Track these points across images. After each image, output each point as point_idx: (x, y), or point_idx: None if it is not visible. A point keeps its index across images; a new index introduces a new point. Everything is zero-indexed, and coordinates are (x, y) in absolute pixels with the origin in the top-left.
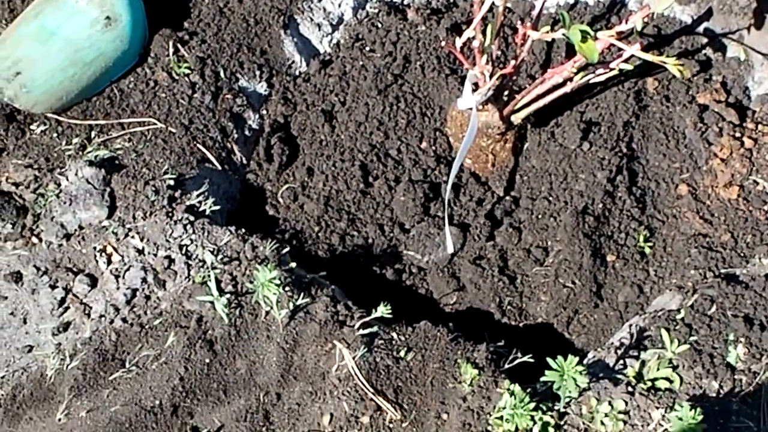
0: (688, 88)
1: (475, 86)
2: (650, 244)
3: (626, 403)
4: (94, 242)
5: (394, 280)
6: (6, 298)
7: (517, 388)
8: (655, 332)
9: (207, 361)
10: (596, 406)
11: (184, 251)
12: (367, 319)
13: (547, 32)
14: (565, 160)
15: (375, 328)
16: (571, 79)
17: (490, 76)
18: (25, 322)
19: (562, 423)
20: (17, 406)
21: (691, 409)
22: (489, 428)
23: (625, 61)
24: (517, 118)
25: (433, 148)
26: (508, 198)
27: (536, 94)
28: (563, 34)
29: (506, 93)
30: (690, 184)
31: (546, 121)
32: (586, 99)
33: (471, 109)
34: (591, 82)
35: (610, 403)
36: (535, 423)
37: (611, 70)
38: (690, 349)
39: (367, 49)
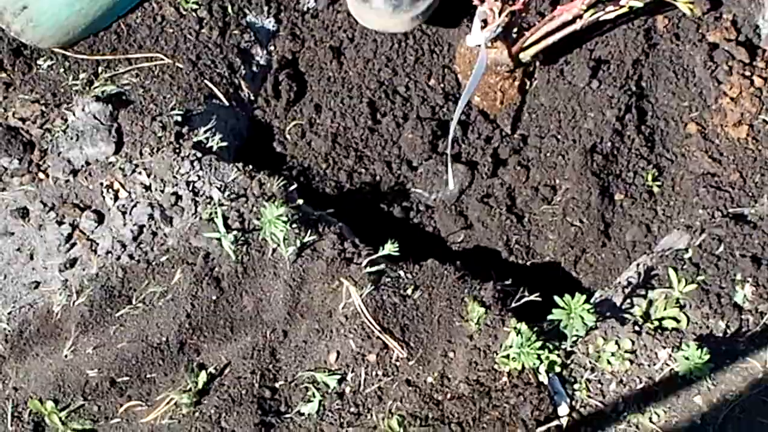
0: (698, 27)
1: (484, 23)
2: (658, 183)
3: (633, 343)
4: (101, 178)
5: (402, 217)
6: (12, 233)
7: (523, 326)
8: (662, 272)
9: (214, 298)
10: (603, 346)
11: (191, 187)
12: (375, 256)
13: None
14: (573, 98)
15: (382, 266)
16: (581, 17)
17: (500, 13)
18: (31, 258)
19: (568, 362)
20: (24, 342)
21: (697, 349)
22: (495, 367)
23: None
24: (526, 56)
25: (442, 85)
26: (516, 136)
27: (545, 31)
28: None
29: (515, 30)
30: (699, 123)
31: (555, 58)
32: (596, 37)
33: (480, 46)
34: (601, 19)
35: (616, 343)
36: (541, 362)
37: (621, 7)
38: (697, 289)
39: None
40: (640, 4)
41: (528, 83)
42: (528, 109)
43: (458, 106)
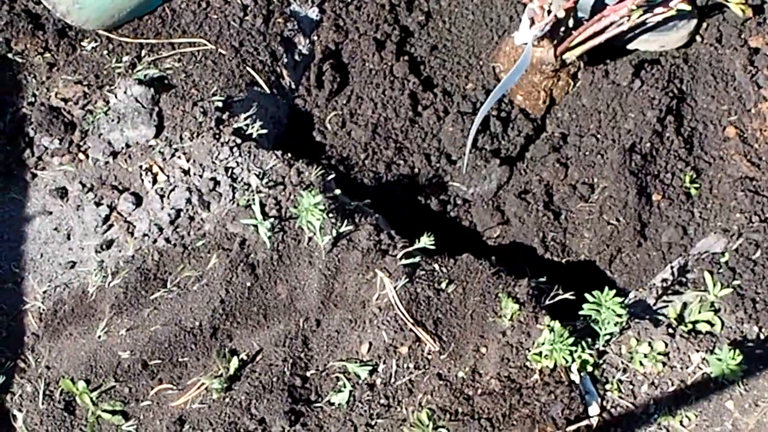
0: (740, 31)
1: (532, 21)
2: (696, 185)
3: (666, 345)
4: (141, 161)
5: (439, 210)
6: (51, 213)
7: (557, 324)
8: (697, 274)
9: (248, 284)
10: (636, 346)
11: (229, 173)
12: (410, 249)
13: None
14: (615, 98)
15: (417, 259)
16: (628, 18)
17: (548, 12)
18: (68, 238)
19: (600, 362)
20: (58, 321)
21: (731, 353)
22: (527, 364)
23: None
24: (571, 56)
25: (483, 81)
26: (556, 134)
27: (592, 32)
28: None
29: (562, 29)
30: (738, 127)
31: (598, 58)
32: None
33: (526, 44)
34: (647, 22)
35: (649, 344)
36: (573, 360)
37: (670, 9)
38: (732, 293)
39: None
40: (688, 8)
41: (572, 84)
42: (569, 108)
43: (491, 97)
